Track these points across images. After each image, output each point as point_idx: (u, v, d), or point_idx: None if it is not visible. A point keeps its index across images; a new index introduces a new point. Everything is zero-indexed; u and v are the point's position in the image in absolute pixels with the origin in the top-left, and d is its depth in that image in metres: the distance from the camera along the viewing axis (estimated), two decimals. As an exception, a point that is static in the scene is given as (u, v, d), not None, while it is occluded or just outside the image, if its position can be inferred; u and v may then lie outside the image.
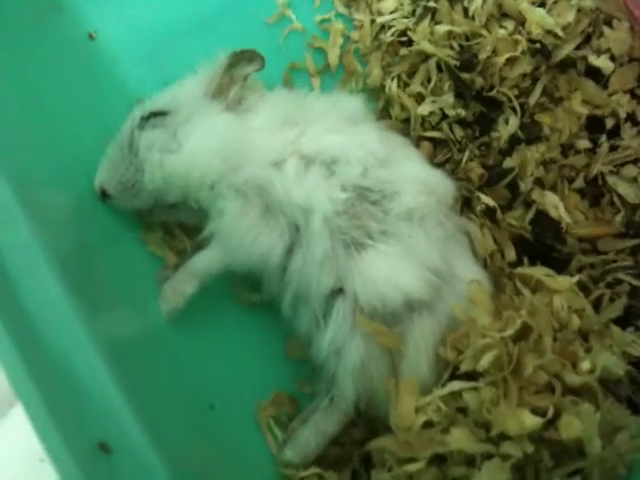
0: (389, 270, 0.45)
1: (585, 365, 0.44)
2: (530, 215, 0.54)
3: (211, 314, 0.51)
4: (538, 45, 0.56)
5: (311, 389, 0.51)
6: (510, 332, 0.43)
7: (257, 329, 0.52)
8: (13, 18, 0.54)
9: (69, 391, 0.31)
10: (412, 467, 0.42)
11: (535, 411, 0.42)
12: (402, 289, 0.45)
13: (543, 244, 0.53)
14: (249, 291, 0.52)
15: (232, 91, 0.50)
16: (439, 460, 0.43)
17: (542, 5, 0.56)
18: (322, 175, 0.47)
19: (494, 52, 0.55)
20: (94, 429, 0.31)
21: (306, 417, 0.48)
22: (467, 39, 0.56)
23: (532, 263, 0.53)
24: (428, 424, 0.43)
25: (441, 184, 0.50)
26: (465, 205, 0.55)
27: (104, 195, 0.50)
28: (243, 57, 0.50)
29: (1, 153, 0.43)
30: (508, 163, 0.55)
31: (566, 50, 0.57)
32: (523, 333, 0.45)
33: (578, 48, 0.57)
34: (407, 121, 0.57)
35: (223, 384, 0.49)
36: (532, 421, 0.41)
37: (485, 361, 0.43)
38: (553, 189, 0.55)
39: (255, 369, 0.51)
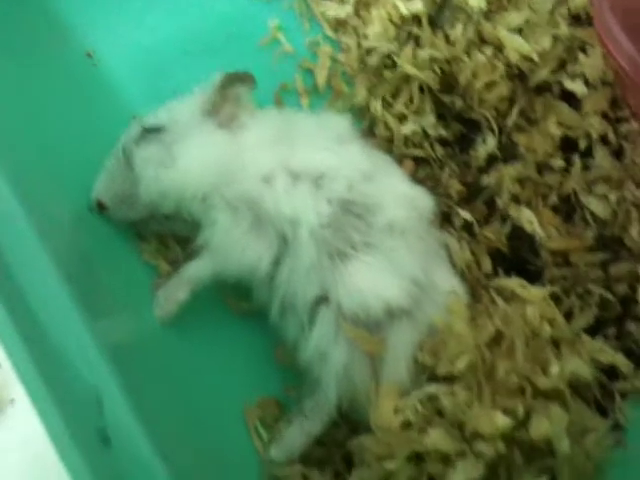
0: (371, 279, 0.48)
1: (555, 369, 0.47)
2: (506, 229, 0.57)
3: (204, 321, 0.53)
4: (515, 70, 0.59)
5: (297, 393, 0.53)
6: (484, 338, 0.46)
7: (248, 336, 0.55)
8: (11, 37, 0.57)
9: (72, 385, 0.33)
10: (390, 464, 0.44)
11: (507, 412, 0.44)
12: (383, 298, 0.47)
13: (518, 257, 0.56)
14: (240, 299, 0.55)
15: (225, 110, 0.52)
16: (417, 458, 0.45)
17: (519, 32, 0.60)
18: (309, 190, 0.50)
19: (474, 76, 0.58)
20: (95, 421, 0.33)
21: (292, 419, 0.50)
22: (448, 63, 0.59)
23: (507, 274, 0.55)
24: (406, 425, 0.46)
25: (422, 199, 0.53)
26: (444, 220, 0.57)
27: (101, 207, 0.52)
28: (236, 78, 0.53)
29: (8, 169, 0.45)
30: (486, 180, 0.58)
31: (542, 75, 0.60)
32: (496, 339, 0.48)
33: (553, 73, 0.60)
34: (391, 140, 0.60)
35: (213, 387, 0.52)
36: (504, 421, 0.44)
37: (460, 365, 0.45)
38: (528, 205, 0.58)
39: (244, 374, 0.54)
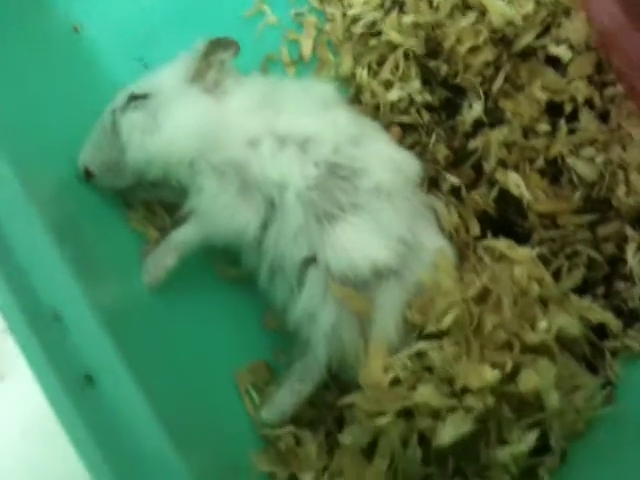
0: (359, 240, 0.48)
1: (543, 325, 0.47)
2: (494, 193, 0.57)
3: (192, 288, 0.53)
4: (500, 35, 0.60)
5: (287, 358, 0.53)
6: (471, 293, 0.46)
7: (236, 302, 0.55)
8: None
9: (59, 331, 0.34)
10: (381, 421, 0.45)
11: (495, 366, 0.45)
12: (371, 257, 0.48)
13: (506, 220, 0.57)
14: (229, 265, 0.55)
15: (209, 76, 0.53)
16: (407, 414, 0.45)
17: (503, -4, 0.60)
18: (295, 153, 0.50)
19: (458, 41, 0.59)
20: (81, 363, 0.33)
21: (282, 381, 0.50)
22: (432, 29, 0.59)
23: (495, 237, 0.55)
24: (396, 381, 0.46)
25: (408, 163, 0.53)
26: (432, 185, 0.58)
27: (88, 175, 0.52)
28: (219, 44, 0.53)
29: (3, 140, 0.45)
30: (472, 145, 0.58)
31: (526, 40, 0.60)
32: (483, 296, 0.48)
33: (538, 38, 0.60)
34: (377, 107, 0.60)
35: (202, 353, 0.52)
36: (492, 375, 0.44)
37: (447, 320, 0.46)
38: (515, 169, 0.58)
39: (233, 340, 0.54)
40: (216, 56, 0.53)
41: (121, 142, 0.51)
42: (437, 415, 0.45)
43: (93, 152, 0.52)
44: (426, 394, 0.45)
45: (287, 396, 0.49)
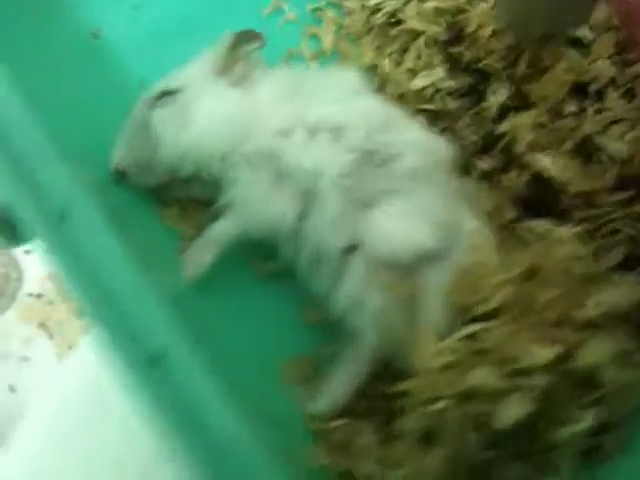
0: (398, 225, 0.47)
1: (593, 300, 0.46)
2: (525, 177, 0.57)
3: (229, 285, 0.53)
4: (520, 18, 0.59)
5: (330, 351, 0.52)
6: (518, 271, 0.45)
7: (273, 298, 0.54)
8: (17, 17, 0.56)
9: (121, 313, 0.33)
10: (437, 406, 0.43)
11: (550, 344, 0.44)
12: (412, 241, 0.47)
13: (540, 202, 0.56)
14: (264, 260, 0.54)
15: (237, 68, 0.52)
16: (463, 399, 0.44)
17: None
18: (328, 141, 0.49)
19: (480, 26, 0.58)
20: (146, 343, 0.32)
21: (331, 372, 0.49)
22: (453, 15, 0.59)
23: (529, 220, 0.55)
24: (449, 365, 0.45)
25: (441, 146, 0.52)
26: (463, 171, 0.57)
27: (121, 175, 0.51)
28: (245, 37, 0.53)
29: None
30: (501, 129, 0.58)
31: (547, 24, 0.60)
32: (531, 274, 0.47)
33: (558, 21, 0.60)
34: (402, 97, 0.59)
35: (243, 349, 0.50)
36: (547, 353, 0.43)
37: (497, 300, 0.45)
38: (545, 151, 0.57)
39: (273, 335, 0.53)
40: (242, 48, 0.52)
41: (153, 139, 0.51)
42: (494, 397, 0.44)
43: (125, 151, 0.52)
44: (482, 376, 0.44)
45: (338, 387, 0.48)
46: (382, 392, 0.49)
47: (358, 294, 0.47)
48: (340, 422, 0.47)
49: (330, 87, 0.52)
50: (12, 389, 0.85)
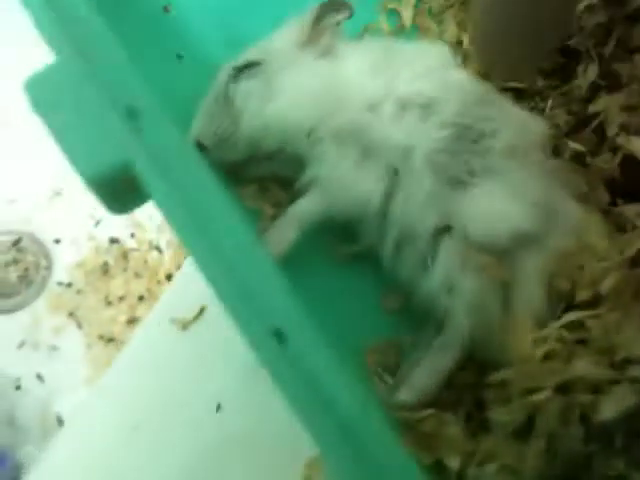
0: (495, 205, 0.45)
1: None
2: (618, 159, 0.54)
3: (310, 265, 0.51)
4: (612, -5, 0.56)
5: (411, 339, 0.50)
6: (630, 253, 0.43)
7: (355, 280, 0.52)
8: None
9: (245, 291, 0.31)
10: (538, 396, 0.41)
11: (660, 334, 0.41)
12: (510, 223, 0.44)
13: (633, 185, 0.53)
14: (344, 243, 0.52)
15: (323, 39, 0.50)
16: (564, 390, 0.42)
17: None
18: (419, 115, 0.47)
19: (573, 0, 0.56)
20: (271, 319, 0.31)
21: (416, 360, 0.47)
22: (543, -10, 0.56)
23: (625, 204, 0.52)
24: (549, 355, 0.42)
25: (537, 125, 0.50)
26: (553, 152, 0.54)
27: (201, 148, 0.50)
28: (331, 6, 0.50)
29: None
30: (592, 109, 0.55)
31: (638, 1, 0.57)
32: (637, 260, 0.44)
33: (651, -2, 0.57)
34: (487, 74, 0.57)
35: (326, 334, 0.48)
36: (658, 344, 0.40)
37: (607, 285, 0.42)
38: (637, 134, 0.55)
39: (355, 320, 0.50)
40: (328, 19, 0.50)
41: (235, 112, 0.49)
42: (598, 389, 0.41)
43: (205, 124, 0.50)
44: (585, 366, 0.41)
45: (427, 375, 0.46)
46: (468, 383, 0.47)
47: (451, 278, 0.45)
48: (428, 412, 0.45)
49: (421, 60, 0.50)
50: (40, 378, 0.84)
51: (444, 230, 0.46)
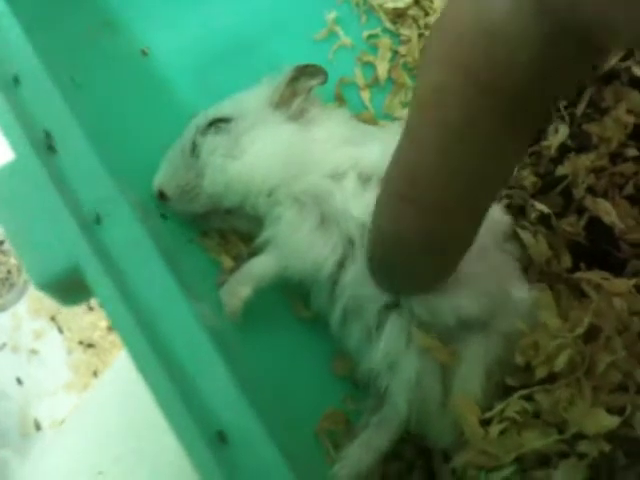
0: (445, 288, 0.44)
1: (655, 362, 0.44)
2: (583, 221, 0.54)
3: (268, 322, 0.51)
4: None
5: (357, 407, 0.50)
6: (580, 331, 0.43)
7: (308, 341, 0.52)
8: (68, 37, 0.55)
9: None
10: (503, 473, 0.42)
11: (612, 410, 0.42)
12: (457, 308, 0.44)
13: (598, 249, 0.54)
14: (303, 304, 0.52)
15: (295, 103, 0.50)
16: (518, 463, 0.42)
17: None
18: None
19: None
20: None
21: (357, 434, 0.47)
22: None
23: (588, 269, 0.52)
24: (503, 431, 0.43)
25: (494, 213, 0.49)
26: (519, 213, 0.55)
27: (162, 198, 0.50)
28: (307, 71, 0.51)
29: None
30: (560, 171, 0.56)
31: (611, 62, 0.58)
32: (591, 334, 0.45)
33: (622, 60, 0.58)
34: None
35: (280, 392, 0.49)
36: (609, 420, 0.41)
37: (560, 362, 0.42)
38: (604, 196, 0.55)
39: (306, 384, 0.50)
40: (303, 83, 0.50)
41: (200, 165, 0.49)
42: (548, 462, 0.42)
43: (169, 174, 0.50)
44: (535, 440, 0.42)
45: (362, 452, 0.45)
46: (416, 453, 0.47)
47: (394, 355, 0.45)
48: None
49: (390, 140, 0.50)
50: (19, 381, 0.84)
51: (391, 306, 0.45)
